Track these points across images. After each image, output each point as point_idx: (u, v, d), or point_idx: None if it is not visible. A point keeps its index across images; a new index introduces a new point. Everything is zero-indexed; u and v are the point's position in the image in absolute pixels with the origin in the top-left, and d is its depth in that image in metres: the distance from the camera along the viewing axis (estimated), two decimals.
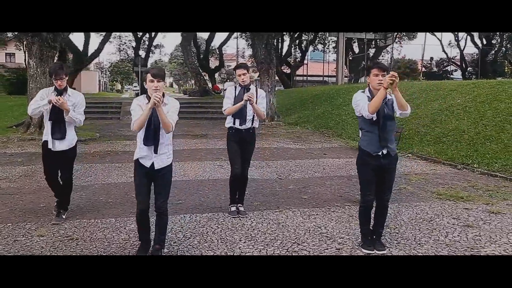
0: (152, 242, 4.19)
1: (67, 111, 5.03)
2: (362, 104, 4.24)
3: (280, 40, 36.59)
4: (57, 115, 5.05)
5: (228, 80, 60.16)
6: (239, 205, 5.67)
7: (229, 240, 4.68)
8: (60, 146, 5.14)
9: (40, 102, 5.02)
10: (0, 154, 10.11)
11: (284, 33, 34.76)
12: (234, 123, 5.47)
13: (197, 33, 37.20)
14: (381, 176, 4.35)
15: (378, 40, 32.79)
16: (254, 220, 5.38)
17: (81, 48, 30.25)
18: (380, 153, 4.29)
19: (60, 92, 5.06)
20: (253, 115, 5.49)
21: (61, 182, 5.38)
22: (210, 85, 38.12)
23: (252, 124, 5.53)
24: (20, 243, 4.50)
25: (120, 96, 53.93)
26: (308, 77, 37.86)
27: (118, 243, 4.55)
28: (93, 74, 55.74)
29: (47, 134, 5.16)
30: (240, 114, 5.43)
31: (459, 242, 4.69)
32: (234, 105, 5.41)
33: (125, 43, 46.58)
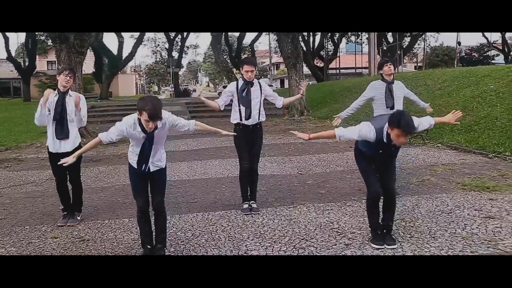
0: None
1: (80, 109, 5.16)
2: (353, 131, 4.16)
3: (311, 34, 36.16)
4: (61, 113, 5.14)
5: (262, 77, 60.11)
6: (252, 202, 5.62)
7: (237, 238, 4.64)
8: (64, 147, 5.20)
9: (38, 111, 5.14)
10: (33, 158, 10.48)
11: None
12: (241, 119, 5.41)
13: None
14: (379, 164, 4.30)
15: None
16: (266, 216, 5.32)
17: (115, 52, 31.06)
18: None
19: (62, 93, 5.15)
20: (259, 109, 5.41)
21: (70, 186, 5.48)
22: None
23: (259, 119, 5.45)
24: (33, 245, 4.63)
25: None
26: (342, 70, 37.22)
27: (127, 243, 4.60)
28: (130, 77, 57.05)
29: (50, 136, 5.24)
30: (246, 101, 5.33)
31: (477, 234, 4.46)
32: (238, 98, 5.37)
33: (158, 45, 47.47)
